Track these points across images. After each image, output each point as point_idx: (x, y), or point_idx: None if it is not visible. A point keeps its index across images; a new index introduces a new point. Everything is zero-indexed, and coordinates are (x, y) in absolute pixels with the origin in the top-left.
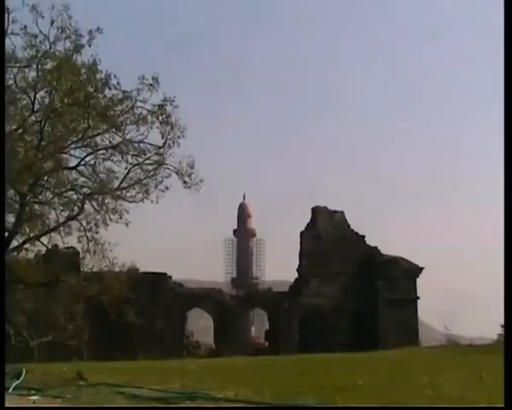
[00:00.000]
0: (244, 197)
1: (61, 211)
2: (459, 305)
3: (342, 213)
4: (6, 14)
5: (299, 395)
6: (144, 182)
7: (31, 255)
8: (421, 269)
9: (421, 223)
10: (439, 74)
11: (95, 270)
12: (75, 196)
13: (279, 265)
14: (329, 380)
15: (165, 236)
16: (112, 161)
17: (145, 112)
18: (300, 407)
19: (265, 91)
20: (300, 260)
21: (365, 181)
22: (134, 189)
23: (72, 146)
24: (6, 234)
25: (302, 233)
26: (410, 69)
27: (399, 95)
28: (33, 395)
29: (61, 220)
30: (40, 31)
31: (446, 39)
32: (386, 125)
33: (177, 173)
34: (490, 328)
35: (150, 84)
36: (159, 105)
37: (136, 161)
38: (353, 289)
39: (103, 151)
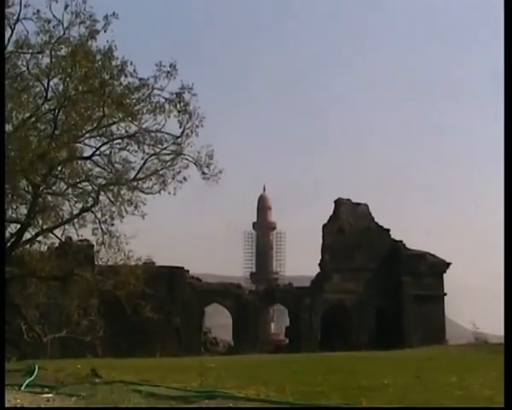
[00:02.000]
0: (264, 189)
1: (75, 202)
2: (488, 302)
3: (366, 205)
4: None
5: (323, 395)
6: (161, 173)
7: (44, 248)
8: (448, 264)
9: (447, 219)
10: (455, 73)
11: (110, 263)
12: (90, 187)
13: (300, 259)
14: (354, 380)
15: (182, 228)
16: (128, 150)
17: (162, 100)
18: (303, 407)
19: (285, 82)
20: (322, 254)
21: (388, 177)
22: (151, 180)
23: (87, 135)
24: (18, 226)
25: (324, 226)
26: (425, 68)
27: (417, 93)
28: (47, 392)
29: (75, 212)
30: (54, 15)
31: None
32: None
33: (195, 164)
34: None
35: (168, 72)
36: (176, 93)
37: (152, 151)
38: (378, 285)
39: (119, 141)
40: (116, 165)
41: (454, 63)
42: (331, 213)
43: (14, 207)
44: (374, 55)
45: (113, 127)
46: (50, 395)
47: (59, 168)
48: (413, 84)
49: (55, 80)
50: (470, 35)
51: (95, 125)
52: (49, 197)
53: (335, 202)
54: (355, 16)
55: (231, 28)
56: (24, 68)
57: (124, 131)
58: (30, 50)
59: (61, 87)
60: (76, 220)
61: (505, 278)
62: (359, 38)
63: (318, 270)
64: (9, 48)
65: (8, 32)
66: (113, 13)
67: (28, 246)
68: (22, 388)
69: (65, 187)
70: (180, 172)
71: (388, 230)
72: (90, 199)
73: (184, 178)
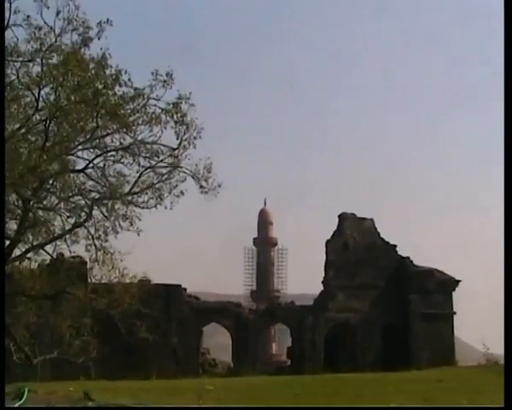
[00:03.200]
0: (265, 203)
1: (68, 217)
2: (499, 321)
3: (371, 220)
4: (7, 4)
5: None
6: (157, 186)
7: (34, 265)
8: (457, 282)
9: (455, 234)
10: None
11: (103, 281)
12: (82, 202)
13: (302, 276)
14: (359, 402)
15: (179, 245)
16: (122, 163)
17: (158, 110)
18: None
19: (283, 88)
20: (326, 271)
21: (393, 190)
22: (146, 194)
23: (80, 147)
24: (8, 242)
25: (328, 242)
26: (440, 76)
27: (428, 101)
28: (48, 407)
29: (68, 227)
30: (45, 22)
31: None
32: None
33: (193, 177)
34: None
35: (164, 81)
36: (173, 103)
37: (148, 164)
38: (384, 303)
39: (113, 153)
40: (110, 178)
41: (454, 63)
42: (335, 228)
43: None
44: (374, 55)
45: (107, 139)
46: None
47: (50, 182)
48: (414, 87)
49: (47, 90)
50: (470, 35)
51: (88, 136)
52: (40, 212)
53: (339, 216)
54: (354, 17)
55: (226, 34)
56: (14, 77)
57: (118, 143)
58: (20, 58)
59: (52, 97)
60: (68, 236)
61: (505, 278)
62: (358, 39)
63: (322, 287)
64: None
65: None
66: (107, 19)
67: (18, 263)
68: None
69: (56, 201)
70: (177, 185)
71: (395, 245)
72: (83, 214)
73: (181, 192)
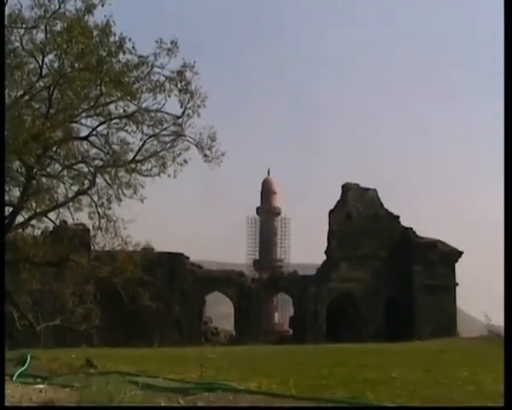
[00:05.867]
0: (268, 172)
1: (71, 185)
2: (501, 293)
3: (375, 190)
4: None
5: (328, 388)
6: (161, 154)
7: (37, 232)
8: (460, 253)
9: (461, 207)
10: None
11: (106, 249)
12: (86, 169)
13: (305, 246)
14: (361, 373)
15: (182, 213)
16: (126, 131)
17: (163, 78)
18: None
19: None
20: (329, 241)
21: (397, 161)
22: (150, 162)
23: (84, 114)
24: (11, 209)
25: (331, 212)
26: (433, 71)
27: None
28: (39, 383)
29: (71, 195)
30: None
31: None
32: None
33: (196, 146)
34: None
35: (168, 49)
36: (177, 71)
37: (152, 132)
38: (387, 274)
39: (117, 121)
40: (114, 146)
41: (454, 64)
42: (338, 198)
43: (7, 189)
44: (374, 56)
45: (111, 106)
46: (43, 386)
47: (54, 149)
48: (415, 82)
49: (50, 57)
50: (470, 35)
51: (91, 104)
52: (44, 179)
53: (343, 187)
54: (354, 15)
55: (235, 6)
56: (17, 44)
57: (122, 111)
58: (24, 25)
59: (56, 64)
60: (71, 204)
61: (505, 278)
62: (360, 37)
63: (324, 258)
64: None
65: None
66: None
67: (21, 230)
68: (14, 378)
69: (60, 169)
70: (180, 154)
71: (398, 216)
72: (87, 181)
73: (185, 161)
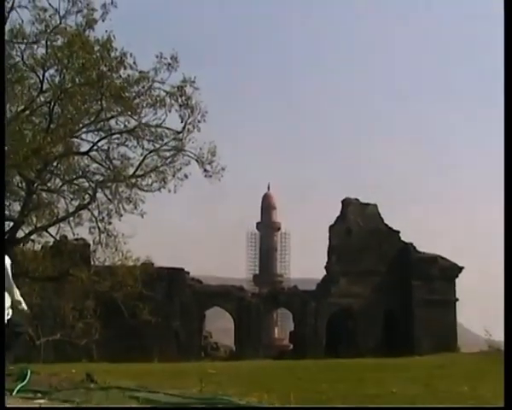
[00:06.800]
0: (268, 187)
1: (71, 200)
2: (502, 308)
3: (375, 206)
4: None
5: (329, 402)
6: (161, 169)
7: (37, 247)
8: (460, 269)
9: (460, 221)
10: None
11: (107, 264)
12: (86, 184)
13: (305, 261)
14: (361, 388)
15: (182, 228)
16: (126, 146)
17: (163, 93)
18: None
19: (287, 77)
20: (329, 256)
21: (397, 175)
22: (150, 177)
23: (84, 129)
24: (11, 224)
25: (331, 227)
26: (426, 78)
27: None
28: (39, 398)
29: (71, 210)
30: (50, 4)
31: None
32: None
33: (197, 161)
34: None
35: (169, 64)
36: (178, 86)
37: (152, 147)
38: (386, 289)
39: (117, 136)
40: (114, 161)
41: (454, 64)
42: (338, 213)
43: (7, 203)
44: (374, 56)
45: (112, 121)
46: (43, 401)
47: (54, 164)
48: (415, 86)
49: (51, 71)
50: (470, 35)
51: (92, 119)
52: (44, 194)
53: (343, 201)
54: (355, 17)
55: (234, 20)
56: (18, 59)
57: (122, 126)
58: (25, 40)
59: (57, 79)
60: (72, 218)
61: (505, 278)
62: (359, 39)
63: (324, 273)
64: None
65: None
66: (112, 1)
67: (21, 245)
68: (14, 393)
69: (60, 183)
70: (181, 168)
71: (398, 232)
72: (87, 196)
73: (185, 176)
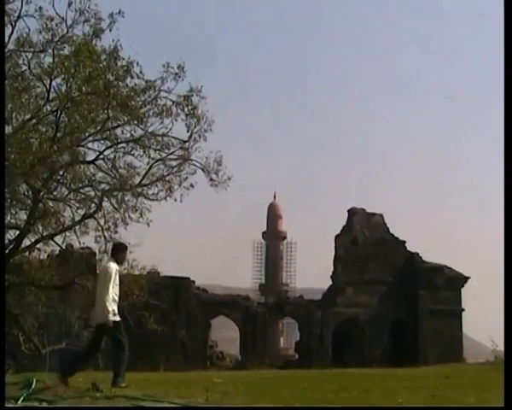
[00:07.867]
0: (274, 196)
1: (78, 208)
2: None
3: (381, 215)
4: None
5: None
6: (167, 179)
7: (43, 256)
8: (466, 279)
9: (466, 231)
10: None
11: None
12: (92, 193)
13: (311, 271)
14: (367, 398)
15: (188, 237)
16: (133, 155)
17: (169, 103)
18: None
19: (293, 84)
20: (335, 265)
21: (406, 186)
22: (156, 186)
23: (90, 138)
24: (17, 232)
25: (337, 237)
26: (425, 74)
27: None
28: (45, 407)
29: (77, 218)
30: (57, 13)
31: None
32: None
33: (203, 170)
34: None
35: (176, 73)
36: (184, 96)
37: (158, 156)
38: (392, 299)
39: (124, 145)
40: (120, 170)
41: (454, 64)
42: (344, 223)
43: (14, 212)
44: (374, 56)
45: (118, 130)
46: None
47: (60, 172)
48: (418, 87)
49: (58, 80)
50: (470, 35)
51: (98, 127)
52: (50, 203)
53: (349, 211)
54: (358, 18)
55: (240, 29)
56: (25, 68)
57: (129, 135)
58: (31, 49)
59: (63, 88)
60: (78, 227)
61: (505, 278)
62: (363, 39)
63: (330, 282)
64: (10, 46)
65: (8, 30)
66: (119, 11)
67: (27, 253)
68: (19, 402)
69: (66, 192)
70: (187, 178)
71: (404, 241)
72: (93, 205)
73: (191, 185)
